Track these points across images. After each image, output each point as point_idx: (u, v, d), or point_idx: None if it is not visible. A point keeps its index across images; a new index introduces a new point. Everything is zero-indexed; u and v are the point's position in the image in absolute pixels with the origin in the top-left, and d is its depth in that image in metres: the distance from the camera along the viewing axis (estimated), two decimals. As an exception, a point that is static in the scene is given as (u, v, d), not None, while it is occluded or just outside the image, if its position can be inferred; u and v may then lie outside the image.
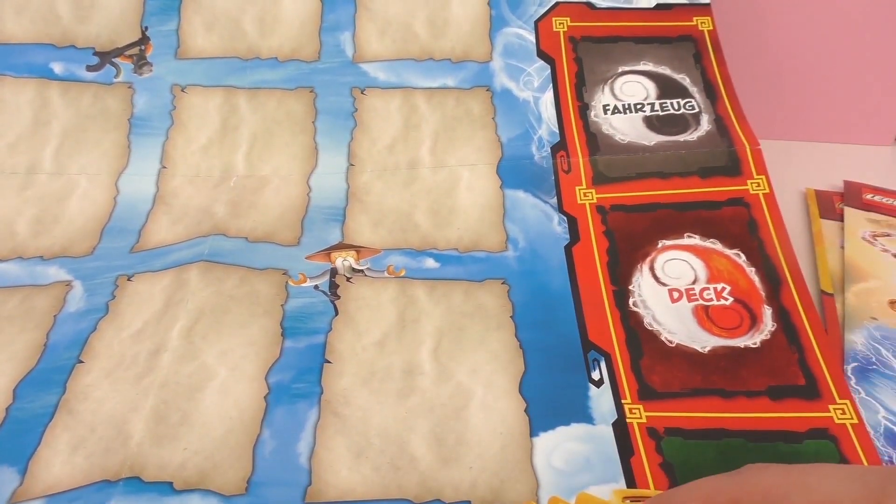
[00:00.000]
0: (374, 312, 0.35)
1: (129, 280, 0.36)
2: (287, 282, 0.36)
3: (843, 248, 0.42)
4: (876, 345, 0.35)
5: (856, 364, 0.34)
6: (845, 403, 0.32)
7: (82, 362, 0.33)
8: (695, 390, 0.32)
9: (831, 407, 0.32)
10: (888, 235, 0.43)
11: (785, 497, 0.21)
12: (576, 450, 0.30)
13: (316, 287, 0.36)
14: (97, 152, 0.42)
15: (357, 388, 0.32)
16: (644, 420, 0.31)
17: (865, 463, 0.30)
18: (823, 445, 0.30)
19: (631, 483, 0.29)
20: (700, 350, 0.33)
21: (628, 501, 0.29)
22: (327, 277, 0.37)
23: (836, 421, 0.31)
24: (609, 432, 0.31)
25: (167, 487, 0.28)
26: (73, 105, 0.43)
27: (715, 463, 0.30)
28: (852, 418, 0.31)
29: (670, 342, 0.34)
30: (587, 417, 0.31)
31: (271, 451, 0.29)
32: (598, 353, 0.34)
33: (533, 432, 0.31)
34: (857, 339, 0.36)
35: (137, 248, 0.38)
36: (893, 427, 0.31)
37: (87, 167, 0.41)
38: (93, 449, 0.29)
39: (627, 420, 0.31)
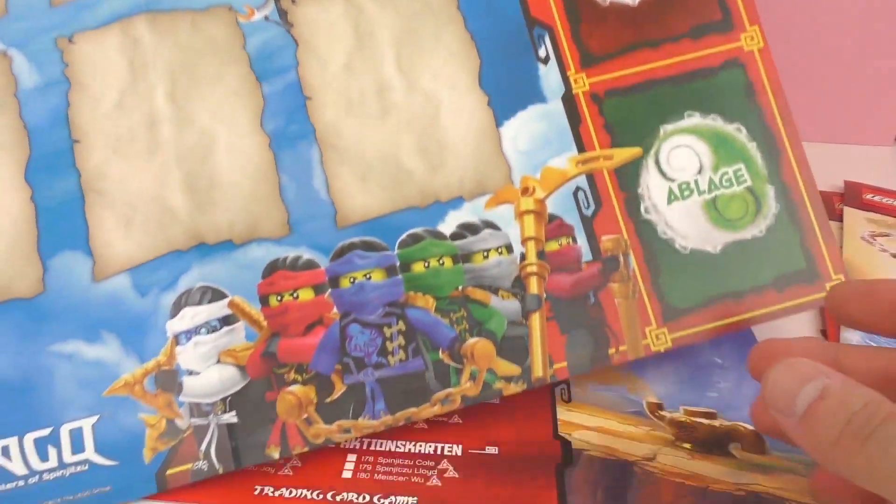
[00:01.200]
0: (329, 33, 0.37)
1: (70, 42, 0.37)
2: (237, 18, 0.37)
3: (841, 248, 0.42)
4: (872, 344, 0.36)
5: None
6: (754, 29, 0.38)
7: (78, 142, 0.36)
8: (629, 46, 0.38)
9: (742, 35, 0.38)
10: (887, 235, 0.43)
11: None
12: (535, 130, 0.37)
13: (266, 18, 0.37)
14: None
15: (342, 119, 0.37)
16: (587, 88, 0.38)
17: (767, 85, 0.37)
18: (734, 75, 0.38)
19: (581, 148, 0.37)
20: (631, 4, 0.37)
21: (580, 165, 0.37)
22: (273, 4, 0.37)
23: (745, 49, 0.38)
24: (559, 107, 0.37)
25: (230, 244, 0.35)
26: None
27: (647, 113, 0.37)
28: (759, 43, 0.38)
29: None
30: (540, 97, 0.37)
31: (296, 194, 0.36)
32: (541, 28, 0.38)
33: (498, 122, 0.37)
34: (852, 339, 0.38)
35: (57, 1, 0.37)
36: None
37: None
38: (146, 226, 0.35)
39: (574, 91, 0.38)
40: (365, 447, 0.32)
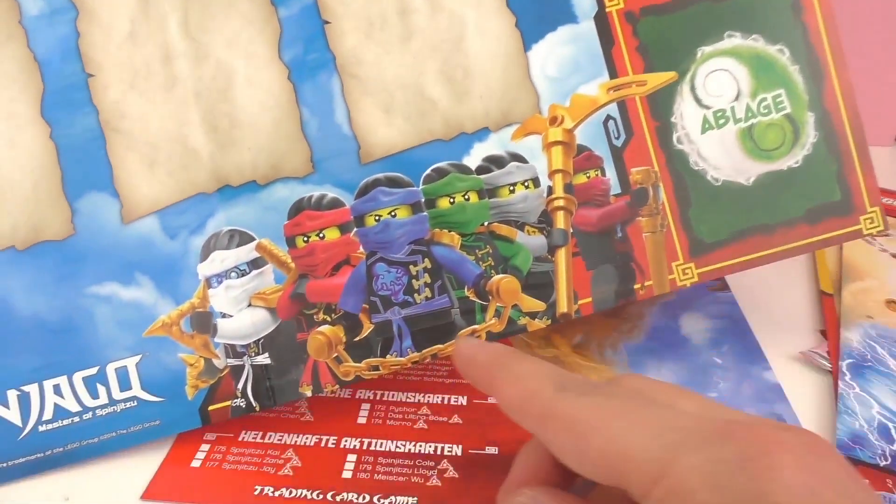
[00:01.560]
0: (347, -52, 0.35)
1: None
2: (245, -67, 0.34)
3: (840, 248, 0.42)
4: (871, 342, 0.36)
5: (851, 361, 0.36)
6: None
7: (93, 76, 0.35)
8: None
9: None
10: (887, 235, 0.43)
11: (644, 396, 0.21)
12: (565, 54, 0.35)
13: (278, -68, 0.34)
14: None
15: (363, 45, 0.35)
16: (621, 5, 0.35)
17: (816, 1, 0.34)
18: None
19: (613, 74, 0.36)
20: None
21: (612, 92, 0.36)
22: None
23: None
24: (591, 28, 0.35)
25: (254, 185, 0.34)
26: None
27: (684, 33, 0.35)
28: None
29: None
30: (571, 17, 0.35)
31: (318, 129, 0.35)
32: (574, -63, 0.35)
33: (526, 46, 0.35)
34: (852, 337, 0.37)
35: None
36: (887, 422, 0.32)
37: None
38: (169, 167, 0.35)
39: (607, 10, 0.35)
40: (365, 447, 0.33)
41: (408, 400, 0.36)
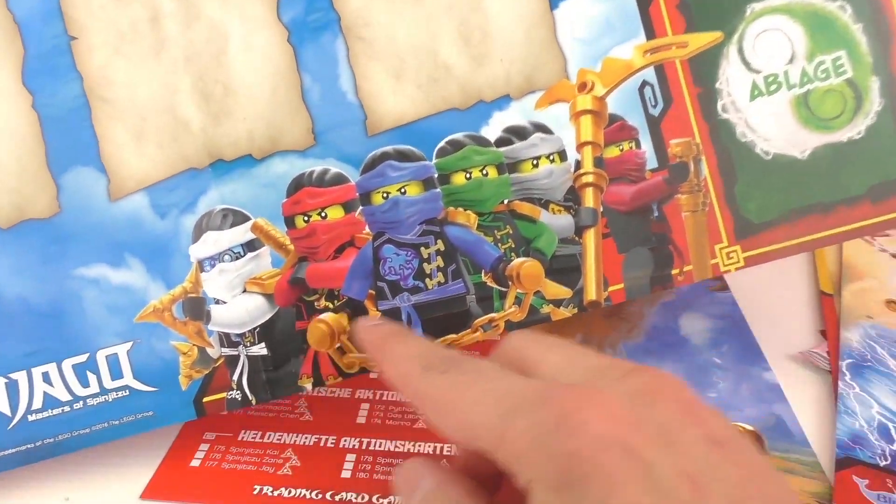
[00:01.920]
0: None
1: None
2: None
3: (840, 248, 0.42)
4: (871, 342, 0.36)
5: (851, 360, 0.35)
6: None
7: (76, 39, 0.32)
8: None
9: None
10: (887, 235, 0.43)
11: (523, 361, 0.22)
12: (596, 12, 0.32)
13: None
14: None
15: (371, 3, 0.31)
16: (661, -46, 0.31)
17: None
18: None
19: (650, 34, 0.32)
20: None
21: (648, 55, 0.32)
22: None
23: None
24: (627, -19, 0.31)
25: (250, 160, 0.31)
26: None
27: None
28: None
29: None
30: (604, -31, 0.31)
31: (320, 97, 0.32)
32: None
33: (552, 4, 0.32)
34: (852, 337, 0.36)
35: None
36: (887, 422, 0.32)
37: None
38: (158, 139, 0.32)
39: (645, -41, 0.31)
40: (364, 447, 0.32)
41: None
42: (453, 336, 0.31)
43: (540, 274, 0.31)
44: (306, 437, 0.33)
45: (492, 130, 0.31)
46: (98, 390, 0.31)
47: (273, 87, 0.32)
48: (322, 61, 0.31)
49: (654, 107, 0.32)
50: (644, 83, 0.32)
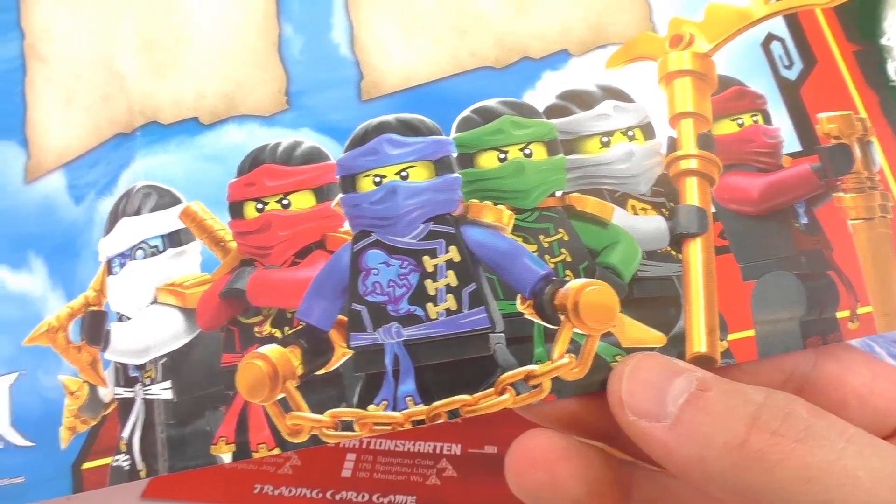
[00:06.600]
0: None
1: None
2: None
3: None
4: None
5: None
6: None
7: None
8: None
9: None
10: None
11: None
12: (694, -56, 0.22)
13: None
14: None
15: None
16: None
17: None
18: None
19: (776, -30, 0.22)
20: None
21: (773, 1, 0.22)
22: None
23: None
24: None
25: (193, 124, 0.22)
26: None
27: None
28: None
29: None
30: None
31: (301, 50, 0.23)
32: None
33: (632, -65, 0.22)
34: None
35: None
36: None
37: None
38: (88, 100, 0.24)
39: None
40: (364, 446, 0.31)
41: (408, 398, 0.33)
42: (465, 397, 0.19)
43: (612, 304, 0.19)
44: (307, 436, 0.32)
45: (540, 96, 0.21)
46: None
47: (240, 36, 0.23)
48: (311, 8, 0.23)
49: (789, 67, 0.21)
50: (770, 36, 0.21)
